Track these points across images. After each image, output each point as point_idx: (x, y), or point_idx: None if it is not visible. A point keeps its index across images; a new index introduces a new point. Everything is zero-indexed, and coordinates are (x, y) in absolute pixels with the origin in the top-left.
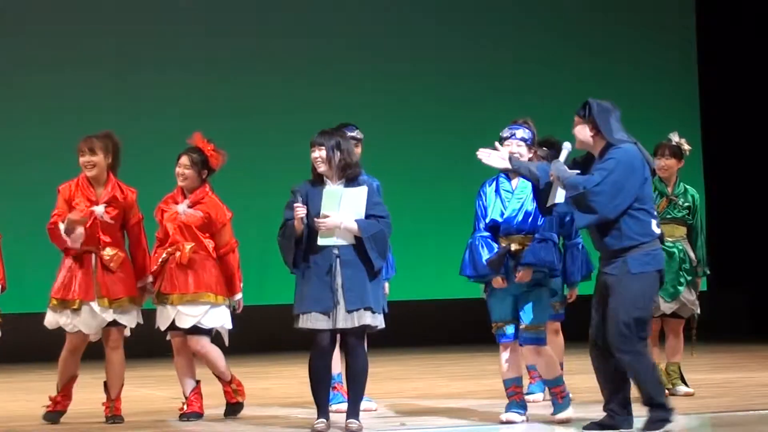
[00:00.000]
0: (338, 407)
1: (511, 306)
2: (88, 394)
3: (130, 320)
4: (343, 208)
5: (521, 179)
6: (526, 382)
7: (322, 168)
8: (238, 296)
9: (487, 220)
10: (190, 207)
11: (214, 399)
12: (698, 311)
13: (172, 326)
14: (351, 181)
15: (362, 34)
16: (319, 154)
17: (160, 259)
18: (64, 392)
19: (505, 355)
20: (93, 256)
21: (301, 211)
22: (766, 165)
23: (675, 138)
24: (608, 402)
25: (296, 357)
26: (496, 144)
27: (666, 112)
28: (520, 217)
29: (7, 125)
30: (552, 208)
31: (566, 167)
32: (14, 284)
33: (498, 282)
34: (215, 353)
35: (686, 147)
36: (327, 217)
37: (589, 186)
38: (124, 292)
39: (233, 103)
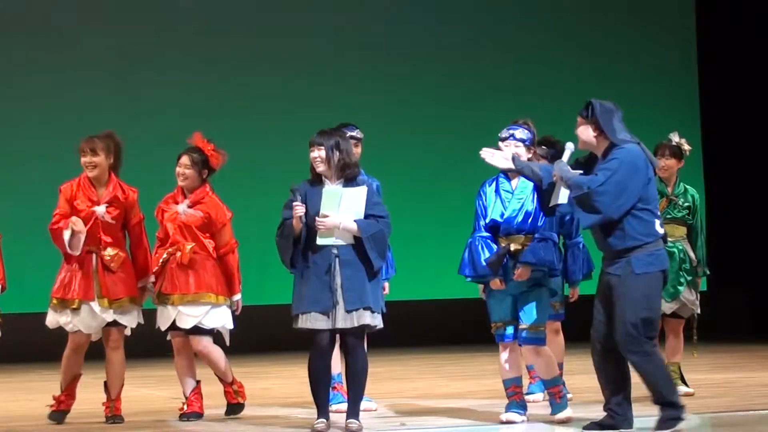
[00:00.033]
0: (338, 407)
1: (511, 306)
2: (88, 394)
3: (131, 320)
4: (342, 208)
5: (521, 179)
6: (526, 382)
7: (321, 168)
8: (236, 297)
9: (487, 220)
10: (190, 207)
11: (214, 399)
12: (699, 311)
13: (173, 326)
14: (349, 181)
15: (362, 34)
16: (318, 153)
17: (161, 260)
18: (68, 391)
19: (504, 355)
20: (94, 256)
21: (299, 210)
22: (766, 165)
23: (675, 138)
24: (609, 401)
25: (296, 357)
26: (500, 144)
27: (666, 112)
28: (520, 218)
29: (7, 125)
30: (555, 208)
31: (569, 167)
32: (14, 284)
33: (496, 284)
34: (217, 354)
35: (686, 147)
36: (326, 216)
37: (594, 186)
38: (125, 293)
39: (233, 103)
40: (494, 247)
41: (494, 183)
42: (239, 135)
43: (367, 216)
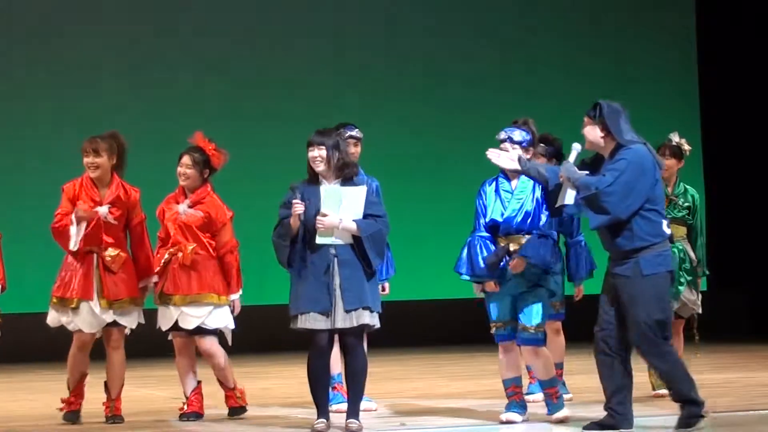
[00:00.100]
0: (338, 407)
1: (510, 306)
2: (88, 394)
3: (131, 321)
4: (342, 208)
5: (521, 180)
6: (525, 382)
7: (321, 167)
8: (233, 296)
9: (487, 219)
10: (190, 207)
11: (214, 399)
12: (700, 311)
13: (175, 326)
14: (347, 180)
15: (362, 34)
16: (319, 153)
17: (163, 260)
18: (77, 391)
19: (504, 355)
20: (95, 256)
21: (299, 208)
22: (766, 165)
23: (675, 138)
24: (609, 400)
25: (296, 357)
26: (509, 145)
27: (666, 112)
28: (519, 218)
29: (8, 125)
30: (561, 209)
31: (576, 168)
32: (14, 284)
33: (491, 286)
34: (222, 356)
35: (686, 147)
36: (326, 216)
37: (602, 186)
38: (126, 293)
39: (233, 103)
40: (493, 247)
41: (494, 183)
42: (239, 135)
43: (365, 215)
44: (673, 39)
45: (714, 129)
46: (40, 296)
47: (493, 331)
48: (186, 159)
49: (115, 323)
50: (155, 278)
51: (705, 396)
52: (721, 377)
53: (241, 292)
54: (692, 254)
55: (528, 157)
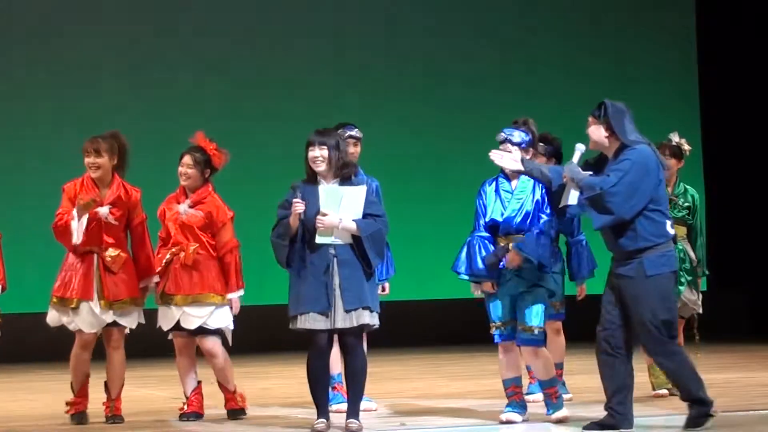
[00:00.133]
0: (338, 407)
1: (509, 307)
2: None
3: (131, 321)
4: (342, 207)
5: (520, 180)
6: (525, 382)
7: (322, 167)
8: (230, 295)
9: (487, 219)
10: (191, 207)
11: (214, 399)
12: (700, 311)
13: (176, 326)
14: (345, 180)
15: (362, 34)
16: (321, 153)
17: (165, 260)
18: (82, 393)
19: (503, 355)
20: (95, 256)
21: (300, 206)
22: (766, 165)
23: (675, 138)
24: (610, 400)
25: (296, 357)
26: (509, 146)
27: (666, 112)
28: (519, 218)
29: (8, 125)
30: (565, 209)
31: (580, 169)
32: (14, 284)
33: (488, 286)
34: (225, 357)
35: (686, 147)
36: (326, 215)
37: (606, 187)
38: (126, 293)
39: (233, 103)
40: (492, 248)
41: (494, 183)
42: (239, 135)
43: (364, 215)
44: (673, 39)
45: (714, 129)
46: (40, 296)
47: (492, 331)
48: (187, 159)
49: (115, 323)
50: (156, 278)
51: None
52: (721, 377)
53: (242, 292)
54: (692, 254)
55: (528, 157)
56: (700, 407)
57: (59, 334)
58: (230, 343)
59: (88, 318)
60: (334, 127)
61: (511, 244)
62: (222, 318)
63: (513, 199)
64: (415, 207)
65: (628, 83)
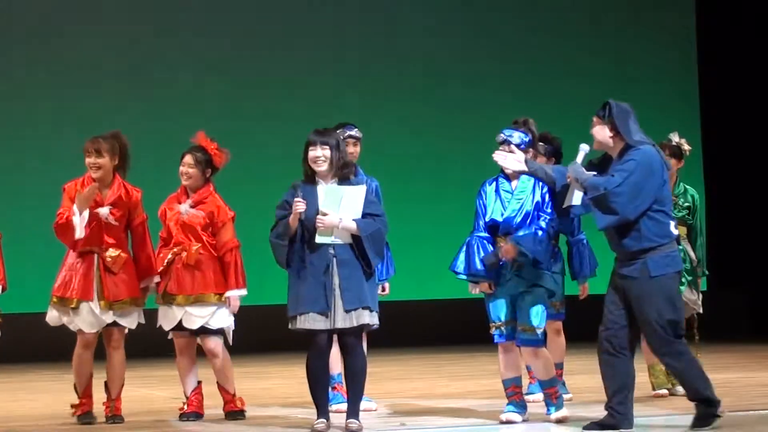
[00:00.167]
0: (338, 407)
1: (509, 307)
2: None
3: (131, 321)
4: (342, 207)
5: (521, 180)
6: (525, 382)
7: (323, 167)
8: (228, 293)
9: (487, 219)
10: (192, 207)
11: (214, 399)
12: (700, 311)
13: (177, 326)
14: (344, 179)
15: (362, 34)
16: (323, 153)
17: (166, 260)
18: (86, 393)
19: (503, 355)
20: (95, 256)
21: (301, 205)
22: (766, 165)
23: (675, 138)
24: (611, 400)
25: (296, 357)
26: (512, 147)
27: (666, 112)
28: (519, 218)
29: (8, 125)
30: (568, 209)
31: (584, 169)
32: (14, 284)
33: (485, 287)
34: (226, 357)
35: (686, 147)
36: (326, 215)
37: (610, 187)
38: (127, 294)
39: (233, 103)
40: (491, 248)
41: (494, 183)
42: (239, 135)
43: (364, 215)
44: (673, 39)
45: (714, 129)
46: (40, 296)
47: (492, 331)
48: (188, 158)
49: (115, 323)
50: (157, 278)
51: None
52: (721, 377)
53: (243, 292)
54: (692, 254)
55: (528, 157)
56: (707, 407)
57: (59, 334)
58: (231, 343)
59: (88, 318)
60: (334, 127)
61: (508, 237)
62: (224, 318)
63: (513, 199)
64: (415, 207)
65: (628, 83)
